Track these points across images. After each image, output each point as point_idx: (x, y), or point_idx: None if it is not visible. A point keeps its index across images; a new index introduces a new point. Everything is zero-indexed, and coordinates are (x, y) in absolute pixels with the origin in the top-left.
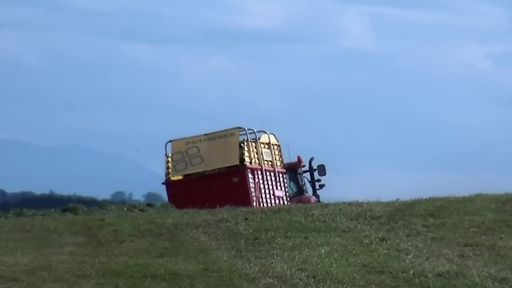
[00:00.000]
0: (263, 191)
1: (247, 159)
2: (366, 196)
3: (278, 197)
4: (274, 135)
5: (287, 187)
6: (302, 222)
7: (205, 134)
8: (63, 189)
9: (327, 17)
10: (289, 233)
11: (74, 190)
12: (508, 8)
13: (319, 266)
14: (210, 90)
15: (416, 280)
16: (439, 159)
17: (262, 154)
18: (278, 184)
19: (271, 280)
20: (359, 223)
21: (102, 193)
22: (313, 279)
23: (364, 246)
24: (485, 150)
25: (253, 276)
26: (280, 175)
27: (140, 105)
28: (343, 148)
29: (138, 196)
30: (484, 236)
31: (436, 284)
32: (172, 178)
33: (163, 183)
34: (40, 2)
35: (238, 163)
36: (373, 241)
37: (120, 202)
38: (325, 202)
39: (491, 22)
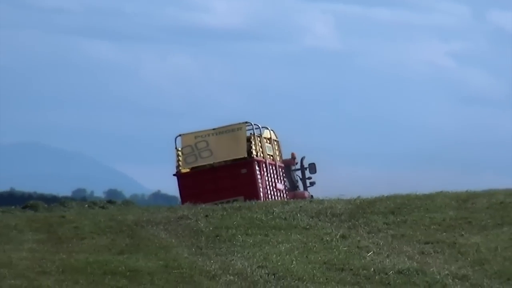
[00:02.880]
0: (267, 183)
1: (254, 152)
2: (327, 193)
3: (279, 190)
4: (274, 132)
5: (285, 182)
6: (262, 219)
7: (213, 129)
8: (24, 187)
9: (291, 16)
10: (249, 230)
11: (34, 188)
12: (472, 5)
13: (279, 263)
14: (172, 88)
15: (376, 277)
16: (400, 157)
17: (265, 149)
18: (279, 177)
19: (231, 277)
20: (319, 220)
21: (63, 191)
22: (273, 276)
23: (324, 244)
24: (446, 148)
25: (213, 273)
26: (280, 169)
27: (101, 103)
28: (304, 146)
29: (99, 193)
30: (444, 234)
31: (397, 281)
32: (183, 171)
33: (174, 175)
34: (2, 0)
35: (246, 155)
36: (334, 239)
37: (80, 199)
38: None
39: (454, 20)
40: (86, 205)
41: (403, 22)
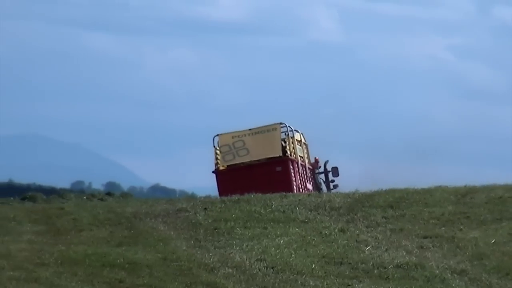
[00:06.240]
0: (299, 181)
1: (288, 152)
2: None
3: (308, 190)
4: (303, 135)
5: (313, 182)
6: (261, 212)
7: (249, 129)
8: (22, 178)
9: (295, 9)
10: (248, 223)
11: (33, 179)
12: (478, 0)
13: (278, 257)
14: (173, 81)
15: (375, 271)
16: (399, 151)
17: (297, 150)
18: (308, 178)
19: (230, 270)
20: (318, 214)
21: (61, 182)
22: (272, 270)
23: (323, 237)
24: (446, 142)
25: (212, 265)
26: (309, 171)
27: (102, 95)
28: (307, 139)
29: (98, 185)
30: (443, 228)
31: (395, 275)
32: (221, 168)
33: (212, 172)
34: None
35: (281, 154)
36: (333, 232)
37: (79, 191)
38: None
39: (458, 14)
40: (85, 197)
41: (407, 16)
